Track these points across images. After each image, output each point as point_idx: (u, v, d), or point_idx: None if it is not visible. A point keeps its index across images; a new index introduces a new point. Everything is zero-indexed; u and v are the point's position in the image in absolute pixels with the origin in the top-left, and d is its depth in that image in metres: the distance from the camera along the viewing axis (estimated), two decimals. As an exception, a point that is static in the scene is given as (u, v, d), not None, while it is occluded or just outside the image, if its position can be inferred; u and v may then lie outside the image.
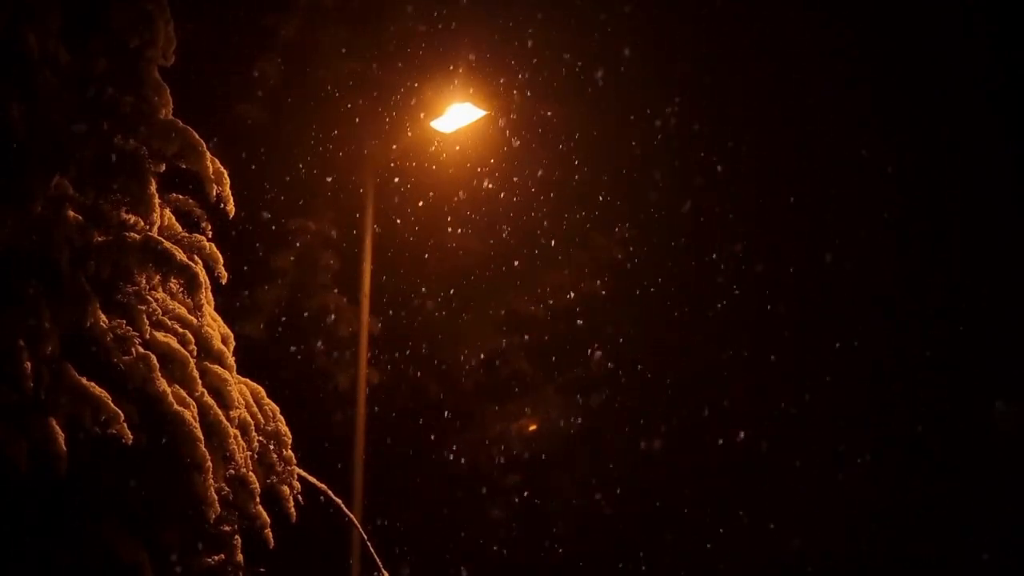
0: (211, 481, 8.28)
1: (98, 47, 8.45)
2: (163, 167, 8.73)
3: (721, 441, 21.25)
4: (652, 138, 21.10)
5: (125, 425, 7.84)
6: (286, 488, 9.34)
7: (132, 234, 8.37)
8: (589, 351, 20.81)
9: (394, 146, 17.15)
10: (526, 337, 20.19)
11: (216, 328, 9.18)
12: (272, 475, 9.29)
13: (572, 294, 20.31)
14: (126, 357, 8.18)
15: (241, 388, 9.16)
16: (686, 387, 21.40)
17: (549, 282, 20.28)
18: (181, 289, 8.78)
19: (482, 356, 19.86)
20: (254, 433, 9.07)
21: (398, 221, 18.81)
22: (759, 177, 22.37)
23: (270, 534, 9.04)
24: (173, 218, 9.28)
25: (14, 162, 7.91)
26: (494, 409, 20.12)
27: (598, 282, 20.49)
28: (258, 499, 8.97)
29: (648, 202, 21.43)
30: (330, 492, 10.23)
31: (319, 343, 18.42)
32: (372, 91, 18.55)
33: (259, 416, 9.26)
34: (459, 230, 19.50)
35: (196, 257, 8.76)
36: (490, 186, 19.45)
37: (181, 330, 8.81)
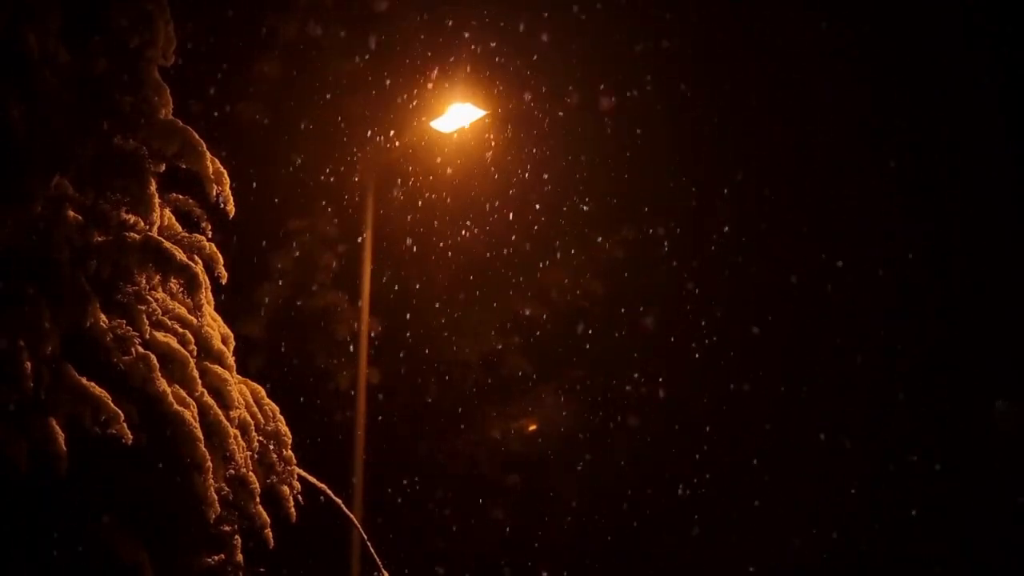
0: (211, 481, 8.28)
1: (98, 47, 8.44)
2: (163, 167, 8.72)
3: (721, 441, 21.27)
4: (652, 138, 21.10)
5: (125, 425, 7.84)
6: (286, 488, 9.34)
7: (132, 234, 8.36)
8: (589, 351, 20.84)
9: (394, 146, 17.15)
10: (526, 337, 20.19)
11: (216, 328, 9.18)
12: (272, 475, 9.29)
13: (572, 294, 20.31)
14: (126, 357, 8.18)
15: (241, 388, 9.17)
16: (686, 387, 21.41)
17: (549, 282, 20.28)
18: (181, 289, 8.77)
19: (482, 356, 19.86)
20: (254, 433, 9.07)
21: (398, 221, 18.80)
22: (759, 177, 22.40)
23: (270, 534, 9.04)
24: (173, 218, 9.28)
25: (14, 162, 7.90)
26: (494, 409, 20.12)
27: (598, 282, 20.50)
28: (258, 499, 8.96)
29: (648, 202, 21.45)
30: (330, 492, 10.22)
31: (319, 343, 18.41)
32: (372, 91, 18.56)
33: (259, 416, 9.26)
34: (459, 230, 19.50)
35: (196, 257, 8.75)
36: (490, 186, 19.45)
37: (181, 330, 8.81)
